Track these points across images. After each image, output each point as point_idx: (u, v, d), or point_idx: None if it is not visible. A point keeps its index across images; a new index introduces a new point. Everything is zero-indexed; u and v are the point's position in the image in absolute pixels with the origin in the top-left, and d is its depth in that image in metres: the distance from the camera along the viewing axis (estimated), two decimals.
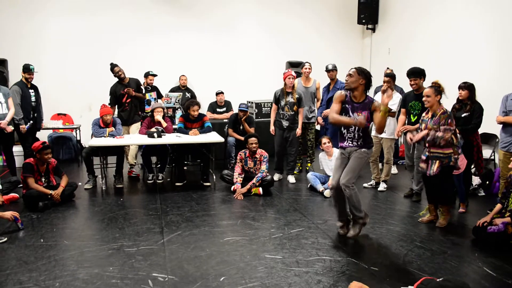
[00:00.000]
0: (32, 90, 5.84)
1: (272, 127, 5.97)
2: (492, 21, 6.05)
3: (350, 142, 3.75)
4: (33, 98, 5.83)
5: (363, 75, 3.61)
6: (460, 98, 4.51)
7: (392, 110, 5.30)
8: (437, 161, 3.94)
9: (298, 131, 5.85)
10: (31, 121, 5.78)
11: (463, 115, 4.49)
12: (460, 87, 4.49)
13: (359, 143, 3.71)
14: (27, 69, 5.72)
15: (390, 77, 5.31)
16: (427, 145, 4.03)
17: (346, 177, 3.66)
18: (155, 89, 6.89)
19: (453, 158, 3.91)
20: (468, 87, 4.48)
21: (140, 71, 6.92)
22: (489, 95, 5.12)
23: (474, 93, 4.51)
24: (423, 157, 4.07)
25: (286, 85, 5.74)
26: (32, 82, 5.84)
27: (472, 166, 4.73)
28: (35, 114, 5.90)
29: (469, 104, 4.49)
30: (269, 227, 4.08)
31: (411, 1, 7.91)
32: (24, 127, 5.60)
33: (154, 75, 6.89)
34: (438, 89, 4.00)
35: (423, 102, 4.68)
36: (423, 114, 4.16)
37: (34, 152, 4.75)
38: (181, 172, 5.85)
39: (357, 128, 3.68)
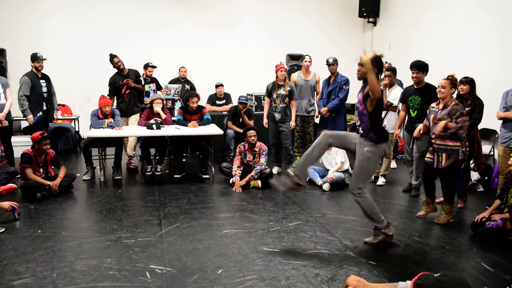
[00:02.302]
0: (43, 80, 5.62)
1: (265, 120, 5.97)
2: (493, 16, 6.01)
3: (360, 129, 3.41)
4: (44, 89, 5.61)
5: (375, 66, 3.28)
6: (461, 93, 4.47)
7: (394, 105, 5.29)
8: (444, 154, 3.91)
9: (292, 123, 5.84)
10: (41, 112, 5.55)
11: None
12: (461, 82, 4.46)
13: (365, 129, 3.33)
14: (35, 57, 5.49)
15: (391, 71, 5.28)
16: (433, 136, 4.00)
17: (350, 183, 3.45)
18: (154, 80, 6.87)
19: (461, 151, 3.87)
20: (469, 82, 4.46)
21: (140, 63, 6.89)
22: (489, 90, 5.09)
23: (474, 88, 4.48)
24: (431, 148, 4.05)
25: (278, 78, 5.73)
26: (43, 72, 5.62)
27: (471, 162, 4.73)
28: (48, 105, 5.68)
29: (470, 99, 4.47)
30: (267, 220, 4.07)
31: None
32: (31, 117, 5.42)
33: (154, 67, 6.86)
34: (454, 82, 4.02)
35: (422, 97, 4.69)
36: (433, 104, 4.11)
37: (33, 143, 4.72)
38: (180, 164, 5.84)
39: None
